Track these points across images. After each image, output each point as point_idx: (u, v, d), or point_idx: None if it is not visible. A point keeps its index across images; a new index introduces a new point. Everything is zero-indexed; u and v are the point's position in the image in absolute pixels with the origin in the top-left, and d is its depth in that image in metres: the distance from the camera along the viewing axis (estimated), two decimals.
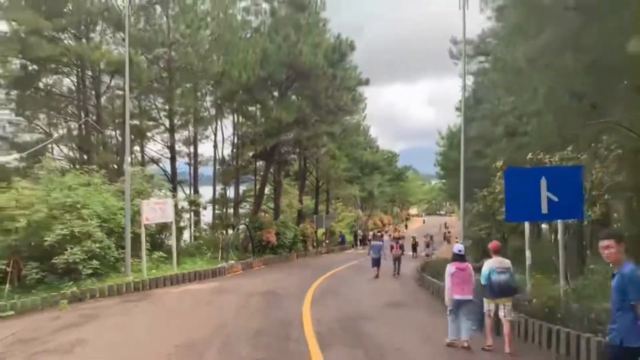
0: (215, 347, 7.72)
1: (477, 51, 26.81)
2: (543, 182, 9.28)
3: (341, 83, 26.03)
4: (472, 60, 28.29)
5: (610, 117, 11.76)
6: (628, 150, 11.68)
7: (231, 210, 34.11)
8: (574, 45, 11.11)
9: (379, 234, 42.59)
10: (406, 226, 76.35)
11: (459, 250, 7.80)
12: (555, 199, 9.22)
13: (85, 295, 14.02)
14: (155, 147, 32.73)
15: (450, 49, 28.11)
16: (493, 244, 7.58)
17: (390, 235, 49.12)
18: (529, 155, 11.18)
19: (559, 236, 9.40)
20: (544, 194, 9.27)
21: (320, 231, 39.52)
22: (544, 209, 9.23)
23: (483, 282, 7.18)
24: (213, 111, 32.04)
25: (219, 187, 34.08)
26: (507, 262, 7.23)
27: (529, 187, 9.24)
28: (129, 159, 18.79)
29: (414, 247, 34.62)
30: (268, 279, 17.96)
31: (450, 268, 7.56)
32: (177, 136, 30.41)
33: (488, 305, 7.33)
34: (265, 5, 30.99)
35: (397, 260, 20.38)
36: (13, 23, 21.48)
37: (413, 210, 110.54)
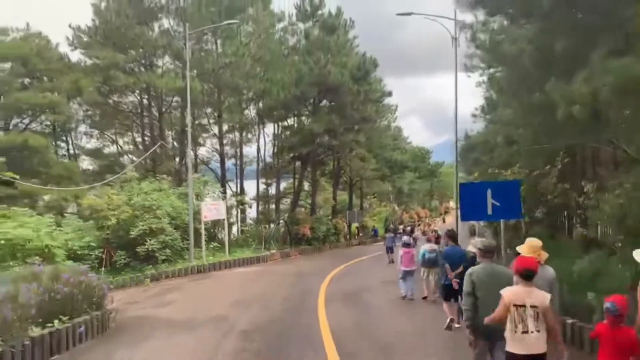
0: (257, 303, 11.90)
1: (488, 65, 29.92)
2: (489, 193, 12.91)
3: (365, 96, 29.87)
4: (485, 72, 31.40)
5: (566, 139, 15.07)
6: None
7: (273, 206, 38.73)
8: (526, 84, 14.57)
9: (407, 228, 46.02)
10: (444, 220, 78.50)
11: (405, 240, 11.92)
12: (498, 204, 12.83)
13: (162, 276, 18.60)
14: (205, 149, 37.88)
15: (465, 63, 31.29)
16: (429, 237, 11.49)
17: (421, 230, 52.40)
18: (489, 170, 14.74)
19: (502, 231, 13.03)
20: (489, 200, 12.88)
21: (354, 225, 43.48)
22: (489, 211, 12.84)
23: (420, 257, 11.13)
24: (256, 118, 36.71)
25: (262, 186, 38.82)
26: (435, 246, 11.11)
27: (478, 196, 12.87)
28: (191, 172, 23.29)
29: (437, 240, 37.84)
30: (301, 265, 22.18)
31: (399, 251, 11.57)
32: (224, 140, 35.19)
33: (423, 272, 11.24)
34: (301, 25, 35.39)
35: None
36: (95, 58, 26.64)
37: (453, 204, 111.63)
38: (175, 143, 34.86)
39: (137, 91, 29.96)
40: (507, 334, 4.13)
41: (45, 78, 25.28)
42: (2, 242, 15.91)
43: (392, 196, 56.30)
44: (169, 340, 8.50)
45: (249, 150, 50.13)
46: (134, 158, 34.17)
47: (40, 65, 24.61)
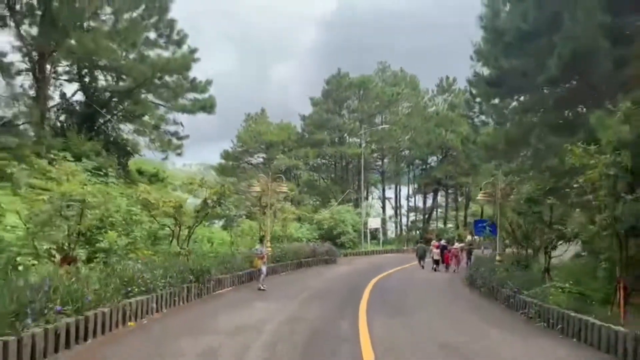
0: (386, 261, 30.21)
1: None
2: (487, 225, 29.24)
3: (469, 153, 45.61)
4: None
5: None
6: None
7: (420, 216, 56.40)
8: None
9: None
10: None
11: (441, 243, 28.75)
12: (489, 229, 29.06)
13: (348, 254, 38.08)
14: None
15: None
16: (435, 245, 28.16)
17: None
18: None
19: (497, 240, 29.14)
20: (487, 228, 29.22)
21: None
22: (487, 232, 29.18)
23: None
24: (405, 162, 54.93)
25: (412, 203, 56.80)
26: (436, 251, 27.66)
27: (481, 225, 29.24)
28: (364, 201, 42.70)
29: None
30: None
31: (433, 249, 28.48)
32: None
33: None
34: (440, 97, 52.60)
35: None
36: (311, 136, 47.95)
37: None
38: (353, 177, 55.10)
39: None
40: (431, 254, 22.18)
41: (291, 150, 47.30)
42: (286, 235, 37.07)
43: None
44: (354, 264, 27.38)
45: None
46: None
47: (289, 143, 46.71)
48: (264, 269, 15.04)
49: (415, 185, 53.11)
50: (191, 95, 24.04)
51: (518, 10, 14.81)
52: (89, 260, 9.94)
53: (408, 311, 11.75)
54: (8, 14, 21.78)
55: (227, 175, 46.57)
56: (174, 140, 23.80)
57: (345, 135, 49.63)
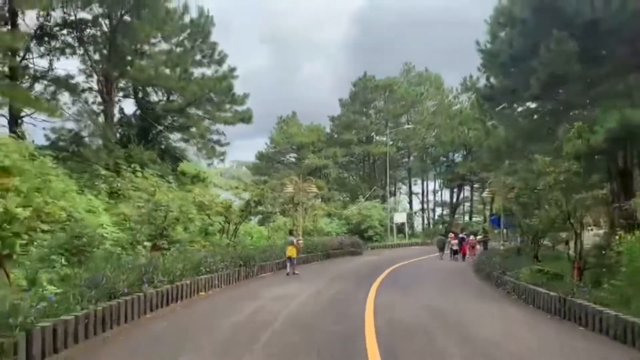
0: (406, 253, 33.07)
1: None
2: (499, 218, 31.75)
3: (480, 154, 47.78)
4: None
5: None
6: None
7: (447, 211, 58.76)
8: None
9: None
10: None
11: (459, 235, 31.36)
12: (495, 222, 31.54)
13: (375, 247, 41.05)
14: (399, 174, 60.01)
15: None
16: (452, 237, 30.77)
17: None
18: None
19: (503, 231, 31.58)
20: (499, 221, 31.72)
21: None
22: (501, 225, 31.69)
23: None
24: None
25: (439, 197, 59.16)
26: (454, 242, 30.24)
27: (497, 219, 31.74)
28: (390, 198, 45.55)
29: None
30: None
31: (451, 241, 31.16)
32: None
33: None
34: (464, 96, 54.75)
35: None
36: (342, 137, 50.97)
37: None
38: (380, 174, 57.87)
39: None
40: (450, 245, 25.20)
41: (321, 150, 50.59)
42: (316, 229, 40.36)
43: None
44: (378, 255, 30.35)
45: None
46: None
47: (319, 144, 49.95)
48: (294, 257, 18.31)
49: (441, 181, 55.58)
50: (231, 108, 27.46)
51: (508, 37, 17.50)
52: (168, 248, 13.40)
53: (412, 288, 14.76)
54: (77, 44, 25.83)
55: (262, 174, 50.26)
56: (217, 148, 27.43)
57: (372, 134, 52.55)
